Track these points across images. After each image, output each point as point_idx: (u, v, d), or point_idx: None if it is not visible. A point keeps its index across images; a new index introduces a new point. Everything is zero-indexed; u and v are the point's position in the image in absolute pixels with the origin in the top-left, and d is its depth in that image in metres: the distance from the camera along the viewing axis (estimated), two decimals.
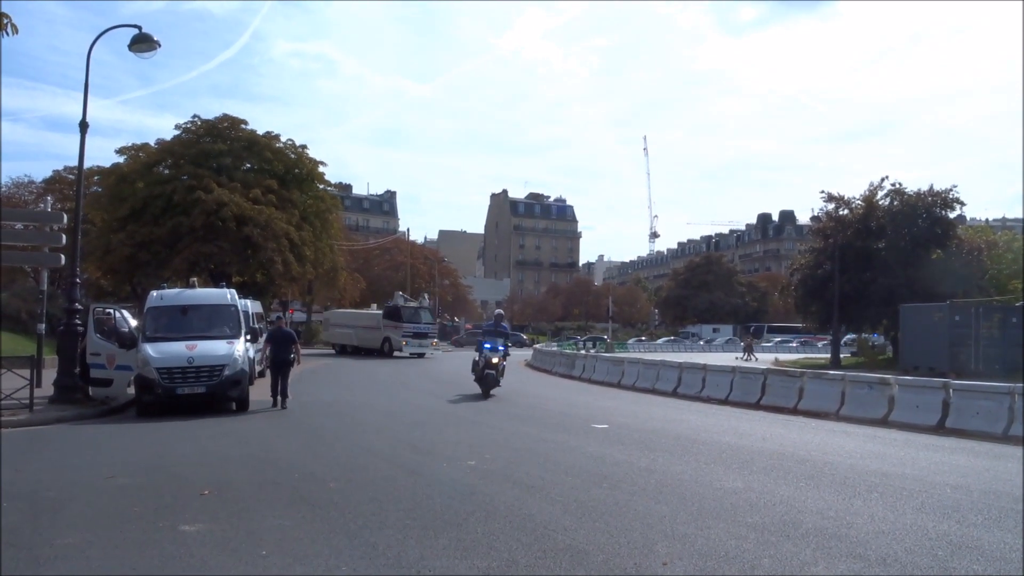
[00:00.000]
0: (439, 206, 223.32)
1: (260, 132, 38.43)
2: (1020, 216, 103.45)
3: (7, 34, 8.61)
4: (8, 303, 32.02)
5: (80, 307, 15.93)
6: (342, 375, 26.31)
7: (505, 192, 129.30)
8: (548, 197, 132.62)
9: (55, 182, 43.62)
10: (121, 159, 37.59)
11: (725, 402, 17.90)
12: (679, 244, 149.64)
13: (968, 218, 66.80)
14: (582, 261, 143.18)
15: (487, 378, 17.62)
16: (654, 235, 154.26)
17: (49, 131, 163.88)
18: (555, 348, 41.96)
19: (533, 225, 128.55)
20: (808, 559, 5.29)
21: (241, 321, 15.77)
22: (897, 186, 38.00)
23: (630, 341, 69.15)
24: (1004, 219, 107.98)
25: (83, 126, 15.76)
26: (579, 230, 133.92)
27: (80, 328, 15.32)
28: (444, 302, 72.89)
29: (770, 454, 10.15)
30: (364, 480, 7.93)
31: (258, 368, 18.46)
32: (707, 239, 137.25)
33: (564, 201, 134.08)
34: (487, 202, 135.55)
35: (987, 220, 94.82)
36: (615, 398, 19.53)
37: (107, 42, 31.05)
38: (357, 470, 8.61)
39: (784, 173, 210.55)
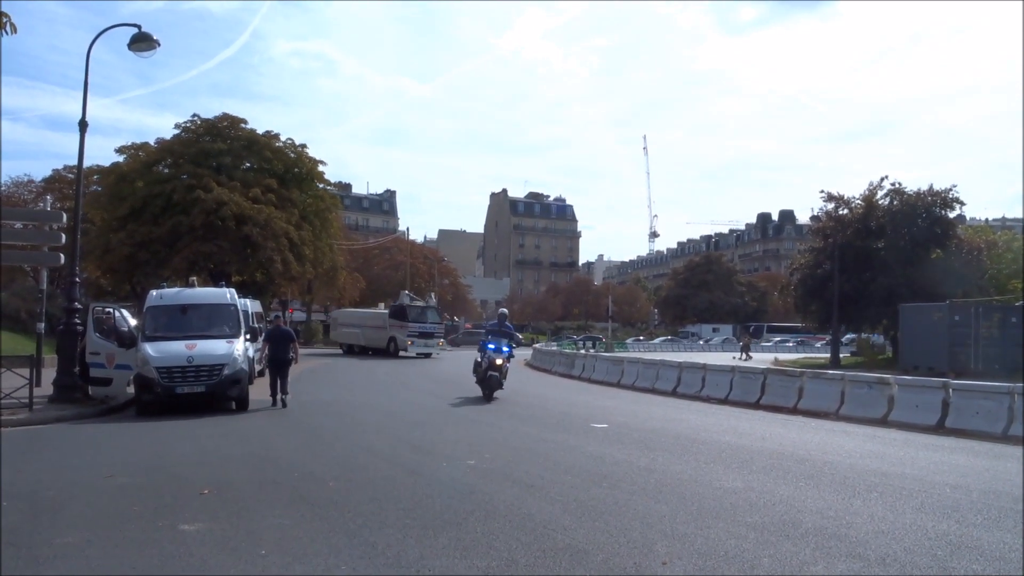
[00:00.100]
0: (439, 206, 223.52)
1: (260, 131, 38.45)
2: (1020, 216, 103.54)
3: (7, 33, 8.62)
4: (8, 302, 32.00)
5: (79, 306, 15.93)
6: (342, 375, 26.32)
7: (505, 192, 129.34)
8: (548, 197, 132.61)
9: (55, 181, 43.61)
10: (121, 158, 37.63)
11: (725, 401, 17.91)
12: (679, 244, 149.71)
13: (968, 218, 66.87)
14: (582, 261, 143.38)
15: (490, 380, 16.83)
16: (654, 235, 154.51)
17: (49, 130, 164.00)
18: (555, 348, 41.98)
19: (533, 224, 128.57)
20: (807, 558, 5.30)
21: (241, 320, 15.77)
22: (897, 186, 38.04)
23: (628, 340, 69.23)
24: (1004, 219, 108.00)
25: (83, 125, 15.75)
26: (579, 230, 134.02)
27: (79, 327, 15.31)
28: (444, 302, 72.73)
29: (770, 454, 10.15)
30: (364, 479, 7.93)
31: (257, 367, 18.46)
32: (707, 239, 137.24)
33: (564, 201, 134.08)
34: (487, 202, 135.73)
35: (987, 220, 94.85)
36: (615, 397, 19.53)
37: (107, 41, 31.07)
38: (357, 469, 8.61)
39: (784, 173, 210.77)
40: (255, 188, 35.08)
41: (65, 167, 43.14)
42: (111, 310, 17.02)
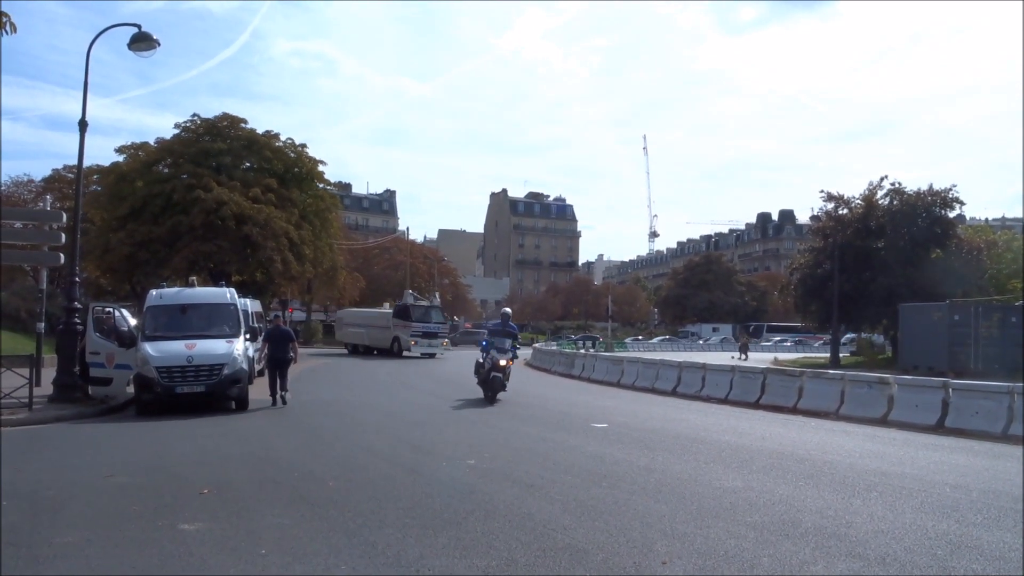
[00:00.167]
0: (439, 206, 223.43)
1: (260, 131, 38.41)
2: (1020, 216, 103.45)
3: (6, 33, 8.62)
4: (8, 302, 31.99)
5: (79, 306, 15.93)
6: (342, 375, 26.32)
7: (505, 191, 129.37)
8: (548, 196, 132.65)
9: (54, 181, 43.59)
10: (120, 158, 37.60)
11: (724, 401, 17.91)
12: (679, 243, 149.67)
13: (968, 218, 66.83)
14: (582, 260, 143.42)
15: (493, 382, 16.26)
16: (654, 234, 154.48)
17: (48, 130, 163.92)
18: (554, 347, 41.97)
19: (533, 224, 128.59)
20: (807, 558, 5.30)
21: (240, 320, 15.77)
22: (897, 186, 38.03)
23: (627, 340, 69.29)
24: (1004, 219, 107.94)
25: (82, 125, 15.75)
26: (579, 229, 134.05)
27: (79, 327, 15.31)
28: (444, 301, 72.68)
29: (769, 453, 10.15)
30: (363, 479, 7.93)
31: (257, 367, 18.46)
32: (707, 239, 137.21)
33: (564, 200, 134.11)
34: (487, 202, 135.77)
35: (987, 220, 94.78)
36: (614, 397, 19.53)
37: (106, 41, 31.05)
38: (356, 469, 8.61)
39: (784, 173, 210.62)
40: (255, 188, 35.05)
41: (65, 167, 43.15)
42: (111, 310, 17.02)
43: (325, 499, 6.91)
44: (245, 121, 38.32)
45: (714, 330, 78.30)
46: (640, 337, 76.99)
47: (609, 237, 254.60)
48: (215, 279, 27.63)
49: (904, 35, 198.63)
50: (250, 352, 15.74)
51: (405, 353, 37.17)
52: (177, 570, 4.94)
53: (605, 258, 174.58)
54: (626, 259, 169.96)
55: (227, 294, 16.54)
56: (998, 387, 13.03)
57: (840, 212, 39.33)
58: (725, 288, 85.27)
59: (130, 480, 7.90)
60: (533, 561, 5.11)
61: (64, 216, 17.36)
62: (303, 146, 39.56)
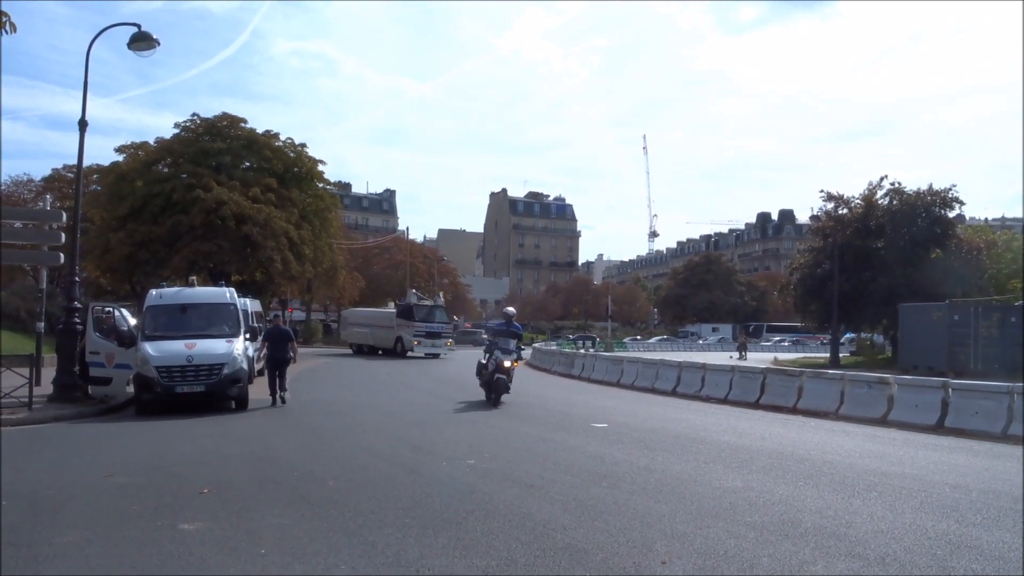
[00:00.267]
0: (439, 205, 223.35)
1: (259, 131, 38.42)
2: (1020, 216, 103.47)
3: (6, 32, 8.62)
4: (7, 301, 31.98)
5: (79, 305, 15.92)
6: (342, 375, 26.32)
7: (505, 191, 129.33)
8: (547, 196, 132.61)
9: (54, 180, 43.58)
10: (120, 158, 37.63)
11: (724, 401, 17.91)
12: (678, 243, 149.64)
13: (968, 218, 66.88)
14: (581, 260, 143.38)
15: (497, 383, 15.61)
16: (653, 234, 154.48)
17: (48, 129, 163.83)
18: (554, 347, 41.98)
19: (532, 224, 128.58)
20: (807, 558, 5.30)
21: (240, 320, 15.77)
22: (896, 185, 38.03)
23: (625, 340, 69.34)
24: (1003, 219, 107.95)
25: (82, 124, 15.74)
26: (578, 229, 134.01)
27: (79, 327, 15.30)
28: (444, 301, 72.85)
29: (769, 453, 10.16)
30: (363, 479, 7.93)
31: (257, 367, 18.45)
32: (706, 238, 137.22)
33: (563, 200, 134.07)
34: (487, 201, 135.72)
35: (987, 220, 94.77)
36: (614, 397, 19.53)
37: (106, 40, 31.03)
38: (356, 469, 8.61)
39: (784, 173, 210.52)
40: (255, 187, 35.06)
41: (65, 166, 43.16)
42: (111, 309, 17.02)
43: (325, 499, 6.91)
44: (245, 121, 38.38)
45: (714, 330, 78.33)
46: (639, 337, 77.00)
47: (609, 237, 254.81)
48: (215, 279, 27.64)
49: (904, 35, 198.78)
50: (250, 352, 15.75)
51: (409, 353, 36.98)
52: (177, 570, 4.94)
53: (605, 258, 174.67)
54: (626, 259, 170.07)
55: (227, 294, 16.54)
56: (998, 387, 13.03)
57: (840, 212, 39.33)
58: (725, 288, 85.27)
59: (130, 480, 7.90)
60: (533, 561, 5.11)
61: (64, 216, 17.35)
62: (303, 146, 39.62)
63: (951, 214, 37.90)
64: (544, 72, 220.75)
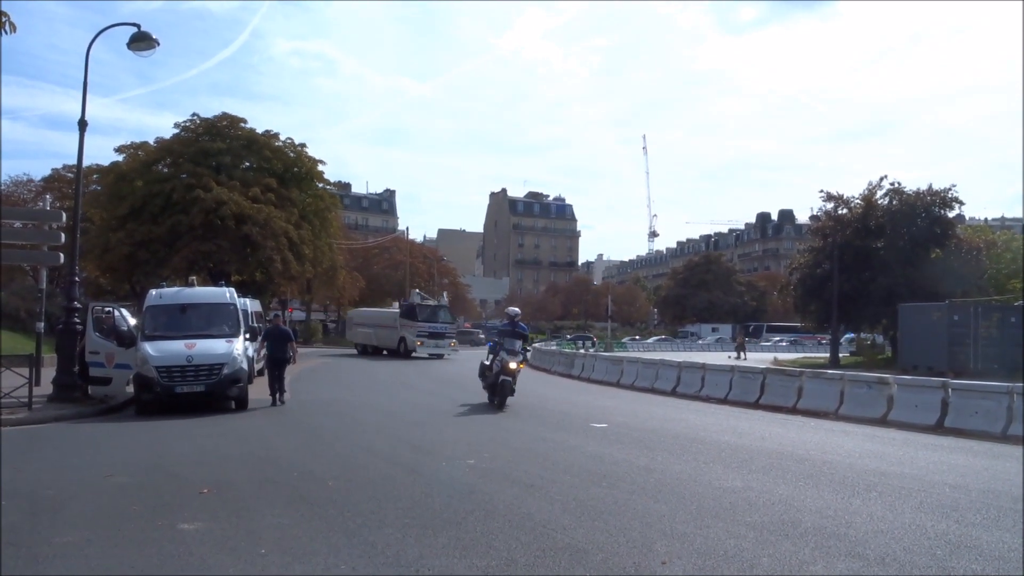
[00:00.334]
0: (439, 205, 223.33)
1: (259, 131, 38.46)
2: (1020, 216, 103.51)
3: (6, 32, 8.61)
4: (7, 301, 31.98)
5: (79, 305, 15.91)
6: (342, 375, 26.31)
7: (504, 191, 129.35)
8: (547, 196, 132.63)
9: (54, 180, 43.55)
10: (120, 157, 37.65)
11: (724, 401, 17.91)
12: (678, 243, 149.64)
13: (967, 218, 66.88)
14: (581, 260, 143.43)
15: (503, 386, 14.92)
16: (653, 234, 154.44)
17: (48, 129, 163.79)
18: (554, 347, 41.97)
19: (532, 224, 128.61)
20: (807, 558, 5.30)
21: (240, 320, 15.76)
22: (896, 185, 38.04)
23: (624, 340, 69.39)
24: (1003, 219, 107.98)
25: (82, 124, 15.73)
26: (578, 229, 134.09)
27: (79, 327, 15.30)
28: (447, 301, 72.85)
29: (769, 453, 10.16)
30: (363, 479, 7.93)
31: (256, 367, 18.45)
32: (706, 238, 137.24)
33: (563, 200, 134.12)
34: (487, 201, 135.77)
35: (986, 220, 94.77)
36: (614, 397, 19.53)
37: (106, 40, 30.91)
38: (356, 469, 8.61)
39: (784, 173, 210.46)
40: (254, 187, 35.08)
41: (64, 166, 43.14)
42: (110, 309, 17.01)
43: (325, 499, 6.91)
44: (245, 121, 38.42)
45: (713, 330, 78.37)
46: (637, 337, 77.02)
47: (609, 237, 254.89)
48: (215, 279, 27.64)
49: (904, 35, 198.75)
50: (249, 352, 15.75)
51: (412, 354, 36.79)
52: (177, 570, 4.94)
53: (605, 258, 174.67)
54: (626, 259, 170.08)
55: (227, 294, 16.54)
56: (997, 387, 13.04)
57: (840, 212, 39.32)
58: (725, 288, 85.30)
59: (129, 480, 7.90)
60: (533, 561, 5.11)
61: (64, 216, 17.34)
62: (303, 146, 39.65)
63: (951, 214, 37.93)
64: (544, 72, 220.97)
